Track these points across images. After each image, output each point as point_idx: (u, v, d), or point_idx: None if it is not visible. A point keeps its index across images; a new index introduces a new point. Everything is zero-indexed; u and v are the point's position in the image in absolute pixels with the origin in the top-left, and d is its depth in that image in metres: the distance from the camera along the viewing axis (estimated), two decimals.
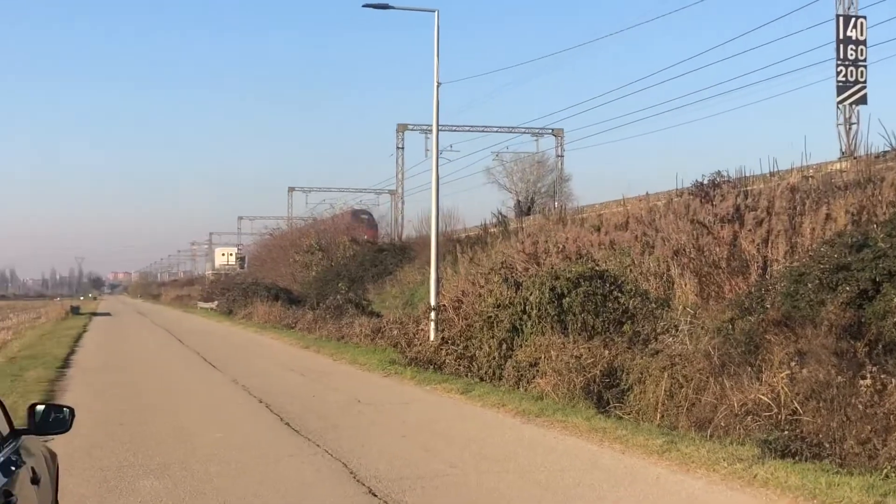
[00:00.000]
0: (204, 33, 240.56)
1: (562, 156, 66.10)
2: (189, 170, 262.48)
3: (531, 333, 16.85)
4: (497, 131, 59.70)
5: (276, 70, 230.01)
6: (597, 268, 18.42)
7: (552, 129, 63.51)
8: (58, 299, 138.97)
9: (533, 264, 22.68)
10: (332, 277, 46.11)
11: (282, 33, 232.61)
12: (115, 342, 31.88)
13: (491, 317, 17.87)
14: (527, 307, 17.17)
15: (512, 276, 19.19)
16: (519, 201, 69.05)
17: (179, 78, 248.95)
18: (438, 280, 21.62)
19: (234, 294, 54.73)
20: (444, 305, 20.76)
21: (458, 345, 18.77)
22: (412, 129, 62.66)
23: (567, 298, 17.02)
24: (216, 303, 60.80)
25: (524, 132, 62.11)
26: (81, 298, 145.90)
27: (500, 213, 50.66)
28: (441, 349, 19.41)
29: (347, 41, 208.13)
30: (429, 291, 22.72)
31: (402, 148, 63.06)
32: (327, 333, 30.45)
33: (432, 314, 20.83)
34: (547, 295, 17.12)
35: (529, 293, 17.35)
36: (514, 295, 17.90)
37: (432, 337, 20.45)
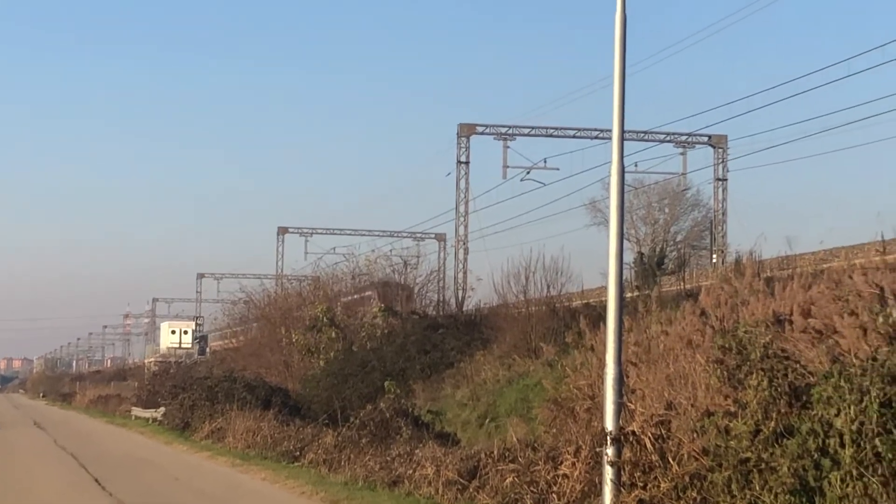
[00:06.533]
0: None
1: (724, 179, 62.13)
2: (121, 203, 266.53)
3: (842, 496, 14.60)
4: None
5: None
6: None
7: (709, 136, 60.14)
8: None
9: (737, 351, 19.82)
10: (356, 370, 45.34)
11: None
12: None
13: (749, 459, 15.77)
14: (828, 440, 14.87)
15: (786, 376, 16.60)
16: (642, 254, 65.27)
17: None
18: (621, 380, 17.20)
19: (192, 396, 51.72)
20: (631, 433, 17.80)
21: None
22: (483, 132, 59.90)
23: None
24: (162, 410, 57.51)
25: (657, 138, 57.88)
26: None
27: (646, 263, 46.29)
28: None
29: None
30: (526, 397, 22.71)
31: (467, 162, 60.27)
32: (366, 474, 27.23)
33: (610, 451, 17.37)
34: (874, 417, 14.37)
35: (832, 410, 14.96)
36: (791, 413, 16.08)
37: (608, 499, 17.42)
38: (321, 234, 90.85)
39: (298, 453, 33.80)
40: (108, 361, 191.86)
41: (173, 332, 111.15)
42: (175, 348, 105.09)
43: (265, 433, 38.55)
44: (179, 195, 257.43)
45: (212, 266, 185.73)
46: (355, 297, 68.13)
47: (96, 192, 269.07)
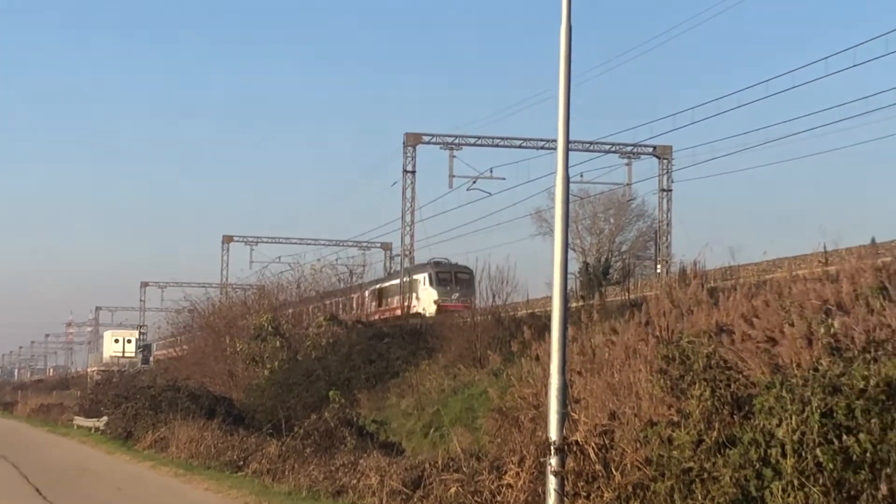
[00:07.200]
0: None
1: (669, 189, 62.26)
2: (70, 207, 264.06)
3: None
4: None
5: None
6: None
7: (654, 147, 60.34)
8: None
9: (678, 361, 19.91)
10: (301, 380, 45.44)
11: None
12: None
13: (692, 468, 15.77)
14: (769, 450, 14.79)
15: (728, 386, 16.60)
16: (587, 264, 65.35)
17: None
18: (565, 390, 17.15)
19: (135, 405, 50.98)
20: (574, 442, 17.67)
21: None
22: (429, 142, 59.81)
23: (862, 436, 14.10)
24: (105, 419, 57.00)
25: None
26: None
27: (591, 273, 46.34)
28: None
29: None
30: (471, 406, 22.93)
31: (413, 172, 60.09)
32: (310, 483, 27.05)
33: (553, 460, 17.26)
34: (815, 427, 14.35)
35: (774, 420, 14.93)
36: (734, 423, 16.07)
37: None
38: (266, 242, 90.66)
39: (242, 463, 33.60)
40: (51, 370, 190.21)
41: (116, 340, 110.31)
42: (118, 357, 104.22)
43: (209, 443, 38.21)
44: (123, 203, 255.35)
45: (156, 275, 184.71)
46: (397, 281, 63.98)
47: (38, 202, 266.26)
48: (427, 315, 54.85)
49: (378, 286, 66.14)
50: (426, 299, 60.24)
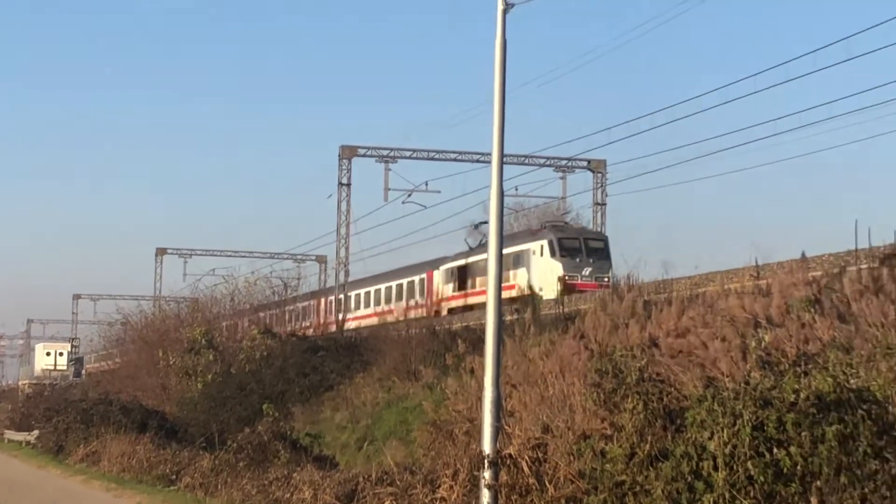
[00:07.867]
0: None
1: (603, 203, 62.35)
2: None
3: None
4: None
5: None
6: (849, 384, 15.64)
7: (588, 161, 60.53)
8: None
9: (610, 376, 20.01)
10: (234, 393, 44.88)
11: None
12: None
13: (624, 481, 15.70)
14: (701, 463, 14.86)
15: (661, 399, 16.65)
16: None
17: None
18: (499, 403, 17.10)
19: (67, 419, 50.68)
20: (508, 456, 17.56)
21: None
22: (365, 154, 59.75)
23: (793, 449, 14.27)
24: (36, 433, 56.81)
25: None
26: None
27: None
28: None
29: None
30: (406, 420, 22.94)
31: (349, 184, 60.05)
32: (243, 497, 27.15)
33: (487, 474, 17.27)
34: (747, 440, 14.53)
35: (705, 433, 15.01)
36: (666, 436, 16.02)
37: None
38: (200, 255, 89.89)
39: (175, 477, 33.52)
40: None
41: (48, 353, 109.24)
42: (50, 370, 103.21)
43: (141, 456, 38.05)
44: (55, 215, 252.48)
45: (88, 287, 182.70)
46: (472, 257, 50.08)
47: None
48: (544, 297, 39.93)
49: (454, 264, 52.21)
50: (545, 275, 44.98)
